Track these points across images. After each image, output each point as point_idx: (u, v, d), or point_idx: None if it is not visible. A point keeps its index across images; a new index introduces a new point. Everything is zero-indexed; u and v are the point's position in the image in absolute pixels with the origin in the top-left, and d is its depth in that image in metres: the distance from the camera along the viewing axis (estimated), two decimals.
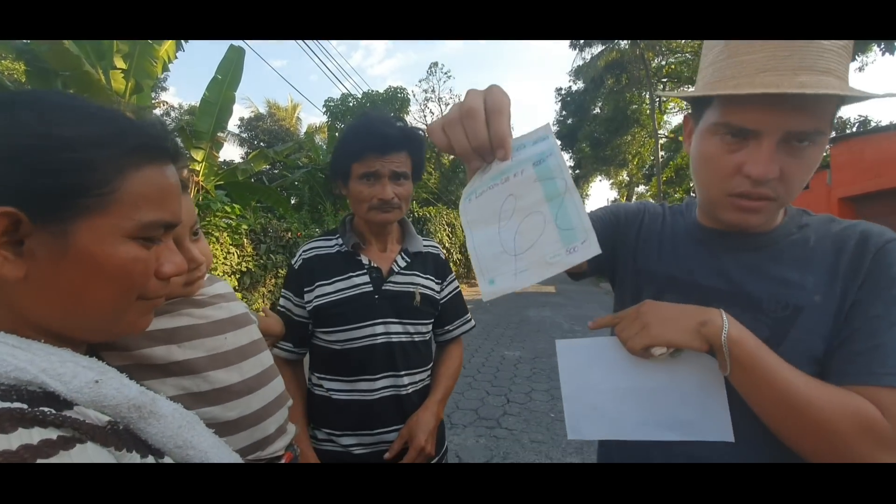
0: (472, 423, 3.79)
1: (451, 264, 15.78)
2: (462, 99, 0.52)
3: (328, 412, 1.15)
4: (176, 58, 7.70)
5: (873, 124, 14.12)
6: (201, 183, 6.99)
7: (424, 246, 1.27)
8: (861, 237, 0.64)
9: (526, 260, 0.53)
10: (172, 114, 22.08)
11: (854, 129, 13.81)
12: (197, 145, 7.56)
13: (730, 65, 0.59)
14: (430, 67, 25.11)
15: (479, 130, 0.50)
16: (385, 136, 1.08)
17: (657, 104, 20.01)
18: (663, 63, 19.44)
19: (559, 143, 0.57)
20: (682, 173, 18.79)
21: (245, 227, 6.49)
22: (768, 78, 0.55)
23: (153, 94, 18.15)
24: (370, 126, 1.10)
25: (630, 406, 0.66)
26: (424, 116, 25.24)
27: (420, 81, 32.84)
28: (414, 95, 23.86)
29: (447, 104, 25.44)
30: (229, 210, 6.29)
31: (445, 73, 25.46)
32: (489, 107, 0.50)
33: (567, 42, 18.50)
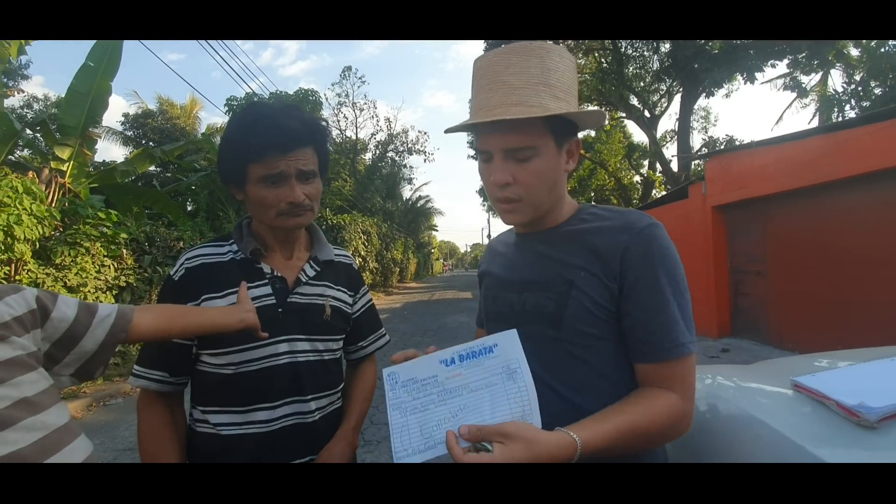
0: (387, 438, 3.62)
1: (367, 273, 15.53)
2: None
3: (215, 453, 0.95)
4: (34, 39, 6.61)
5: (737, 143, 16.49)
6: (68, 185, 6.01)
7: (336, 255, 1.13)
8: (620, 225, 0.79)
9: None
10: (36, 106, 19.03)
11: (723, 147, 15.95)
12: (63, 142, 6.54)
13: (472, 106, 0.81)
14: (344, 72, 24.54)
15: None
16: (287, 131, 0.92)
17: None
18: None
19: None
20: (584, 183, 20.24)
21: (124, 236, 5.69)
22: (482, 114, 0.75)
23: (10, 82, 15.54)
24: (268, 119, 0.93)
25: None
26: (338, 121, 24.55)
27: (333, 85, 31.99)
28: (327, 99, 23.11)
29: (361, 109, 25.02)
30: (103, 216, 5.46)
31: (360, 78, 25.04)
32: None
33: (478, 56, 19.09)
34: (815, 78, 15.39)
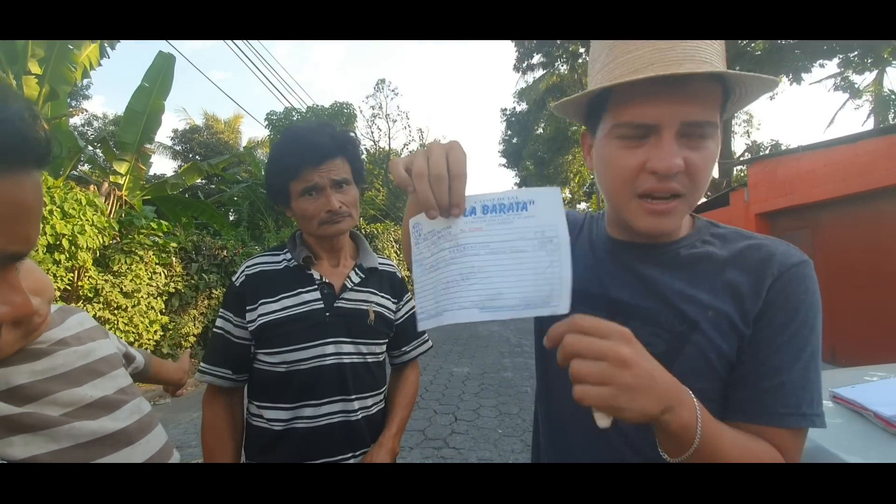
0: (419, 444, 3.67)
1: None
2: (425, 141, 0.49)
3: (267, 445, 1.04)
4: (100, 64, 7.19)
5: (783, 147, 15.75)
6: (125, 197, 6.45)
7: (380, 263, 1.20)
8: (765, 257, 0.64)
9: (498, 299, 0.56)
10: (95, 123, 20.47)
11: (767, 152, 15.30)
12: (121, 157, 7.03)
13: (618, 64, 0.59)
14: (377, 84, 25.16)
15: (444, 192, 0.54)
16: (317, 146, 1.02)
17: None
18: None
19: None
20: None
21: (174, 244, 6.03)
22: (655, 68, 0.56)
23: (73, 102, 16.81)
24: (298, 139, 1.04)
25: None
26: (372, 133, 25.15)
27: (367, 98, 32.79)
28: (361, 111, 23.76)
29: (394, 121, 25.54)
30: (155, 227, 5.82)
31: (392, 90, 25.57)
32: (452, 172, 0.54)
33: (511, 65, 19.18)
34: (869, 77, 14.57)
